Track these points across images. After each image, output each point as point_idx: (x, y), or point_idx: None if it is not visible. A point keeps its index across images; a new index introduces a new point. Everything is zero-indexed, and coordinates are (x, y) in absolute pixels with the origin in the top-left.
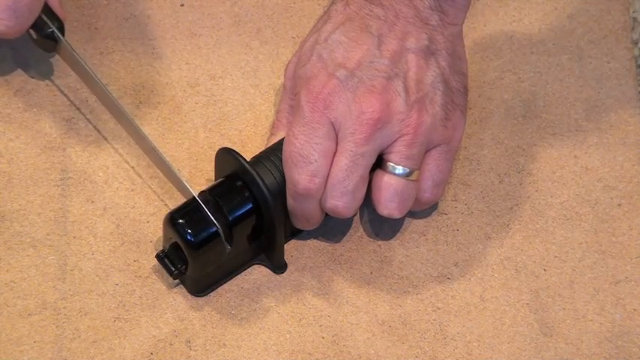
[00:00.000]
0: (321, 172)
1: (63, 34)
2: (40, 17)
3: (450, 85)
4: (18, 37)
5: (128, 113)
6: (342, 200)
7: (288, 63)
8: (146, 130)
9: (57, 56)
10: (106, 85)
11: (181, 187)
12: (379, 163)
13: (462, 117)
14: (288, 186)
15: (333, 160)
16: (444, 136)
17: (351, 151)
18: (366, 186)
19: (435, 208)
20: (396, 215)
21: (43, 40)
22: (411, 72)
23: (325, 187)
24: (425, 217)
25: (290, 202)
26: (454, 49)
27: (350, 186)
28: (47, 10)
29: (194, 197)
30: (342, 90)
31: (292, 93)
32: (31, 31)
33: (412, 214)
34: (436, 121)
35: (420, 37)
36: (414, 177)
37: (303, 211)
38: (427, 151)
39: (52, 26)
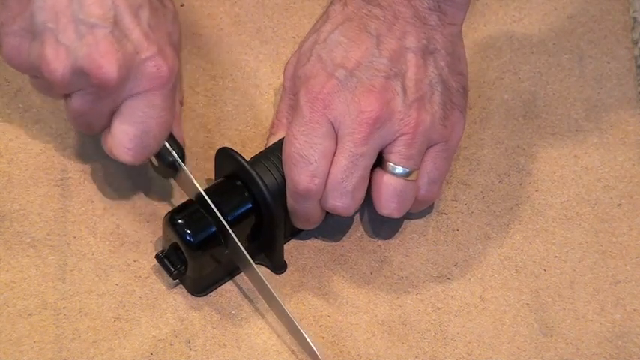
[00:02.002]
0: (320, 173)
1: (184, 162)
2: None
3: (448, 84)
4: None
5: None
6: (341, 201)
7: (288, 63)
8: None
9: None
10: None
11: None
12: (379, 162)
13: (460, 116)
14: (288, 186)
15: (332, 160)
16: (443, 135)
17: (351, 151)
18: (366, 186)
19: (435, 208)
20: (396, 215)
21: (162, 167)
22: (409, 71)
23: (325, 187)
24: (425, 217)
25: (290, 202)
26: (453, 49)
27: (349, 186)
28: (170, 137)
29: (193, 198)
30: (342, 90)
31: (292, 93)
32: (152, 158)
33: (412, 213)
34: (435, 120)
35: (419, 36)
36: (413, 177)
37: (303, 211)
38: (425, 149)
39: (174, 155)
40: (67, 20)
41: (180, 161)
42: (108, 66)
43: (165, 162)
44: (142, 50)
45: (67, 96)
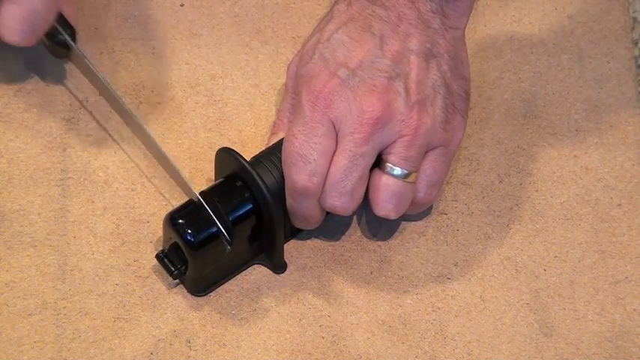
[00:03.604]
0: (319, 172)
1: (75, 41)
2: (52, 25)
3: (451, 88)
4: (32, 45)
5: (136, 115)
6: (340, 200)
7: (290, 63)
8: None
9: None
10: (117, 90)
11: (184, 186)
12: (377, 163)
13: (462, 121)
14: (287, 185)
15: (332, 160)
16: (443, 139)
17: (351, 150)
18: (365, 185)
19: (435, 208)
20: (392, 216)
21: (55, 47)
22: (412, 73)
23: (324, 186)
24: (425, 217)
25: (289, 201)
26: (456, 53)
27: (348, 186)
28: (60, 18)
29: (194, 198)
30: (343, 89)
31: (294, 92)
32: (44, 38)
33: (411, 215)
34: (436, 123)
35: (422, 39)
36: (411, 179)
37: (302, 210)
38: (425, 152)
39: (64, 34)
40: None
41: (70, 40)
42: None
43: (57, 41)
44: None
45: None
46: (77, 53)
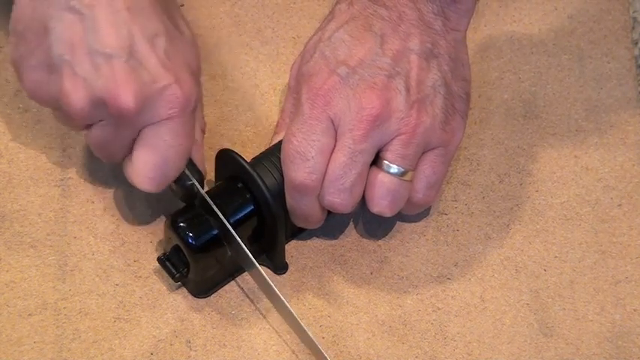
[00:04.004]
0: (318, 169)
1: (202, 187)
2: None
3: (451, 89)
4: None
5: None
6: (339, 197)
7: (294, 63)
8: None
9: None
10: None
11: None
12: (375, 160)
13: (461, 122)
14: (286, 183)
15: (331, 157)
16: (442, 140)
17: (350, 147)
18: (364, 183)
19: (435, 208)
20: (387, 214)
21: (180, 191)
22: (412, 72)
23: (323, 183)
24: (425, 217)
25: (288, 199)
26: (457, 54)
27: (347, 183)
28: (189, 163)
29: (193, 200)
30: (343, 87)
31: (296, 92)
32: (171, 183)
33: (410, 215)
34: (435, 123)
35: (423, 39)
36: (407, 177)
37: (302, 208)
38: (424, 153)
39: (192, 179)
40: (83, 52)
41: (199, 186)
42: (125, 96)
43: (184, 187)
44: (158, 79)
45: (87, 127)
46: (203, 199)
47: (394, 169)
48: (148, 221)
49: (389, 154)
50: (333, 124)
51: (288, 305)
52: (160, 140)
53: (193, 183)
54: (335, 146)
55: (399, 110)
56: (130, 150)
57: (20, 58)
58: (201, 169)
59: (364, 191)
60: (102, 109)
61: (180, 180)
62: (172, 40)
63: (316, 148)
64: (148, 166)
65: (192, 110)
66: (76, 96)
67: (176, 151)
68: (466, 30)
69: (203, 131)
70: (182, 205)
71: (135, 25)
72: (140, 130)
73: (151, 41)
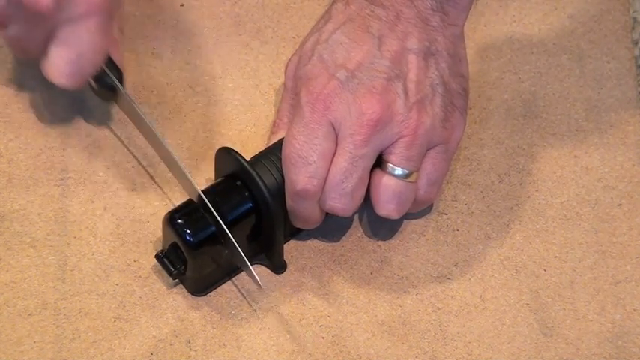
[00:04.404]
0: (319, 174)
1: (122, 84)
2: (100, 68)
3: (449, 86)
4: (78, 87)
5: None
6: (340, 202)
7: (289, 62)
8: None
9: None
10: (164, 138)
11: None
12: (378, 163)
13: (461, 118)
14: (287, 187)
15: (332, 161)
16: (443, 137)
17: (351, 152)
18: (365, 187)
19: (435, 208)
20: (394, 216)
21: (101, 90)
22: (411, 73)
23: (324, 188)
24: (425, 217)
25: (289, 202)
26: (455, 50)
27: (348, 188)
28: (108, 60)
29: (193, 198)
30: (343, 91)
31: (293, 92)
32: (91, 81)
33: (411, 214)
34: (435, 122)
35: (421, 38)
36: (412, 179)
37: (302, 211)
38: (425, 151)
39: (112, 77)
40: None
41: (118, 83)
42: None
43: (104, 85)
44: None
45: (3, 24)
46: (124, 96)
47: (399, 171)
48: (147, 221)
49: (393, 157)
50: (334, 129)
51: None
52: (75, 36)
53: (113, 80)
54: (336, 151)
55: (400, 113)
56: (45, 47)
57: None
58: (120, 66)
59: (370, 195)
60: (18, 7)
61: (100, 78)
62: None
63: (317, 152)
64: (64, 60)
65: (109, 9)
66: None
67: (92, 47)
68: (464, 25)
69: (121, 30)
70: (179, 203)
71: None
72: (56, 27)
73: None
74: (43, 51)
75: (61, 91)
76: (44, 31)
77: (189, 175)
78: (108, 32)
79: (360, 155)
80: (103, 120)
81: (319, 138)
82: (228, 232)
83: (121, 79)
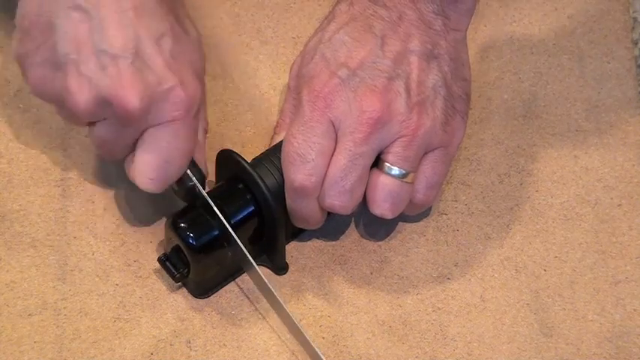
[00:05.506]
0: (317, 171)
1: (204, 188)
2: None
3: (451, 90)
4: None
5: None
6: (339, 199)
7: (293, 63)
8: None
9: None
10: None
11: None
12: (376, 162)
13: (461, 122)
14: (286, 184)
15: (331, 159)
16: (443, 141)
17: (350, 150)
18: (364, 185)
19: (435, 208)
20: (389, 216)
21: (182, 192)
22: (413, 74)
23: (323, 185)
24: (425, 217)
25: (288, 201)
26: (457, 55)
27: (347, 185)
28: (191, 163)
29: (194, 200)
30: (343, 89)
31: (296, 92)
32: (173, 183)
33: (410, 215)
34: (436, 124)
35: (424, 40)
36: (409, 179)
37: (302, 210)
38: (425, 153)
39: (194, 180)
40: (88, 51)
41: (200, 187)
42: (130, 97)
43: (185, 187)
44: (163, 80)
45: (91, 124)
46: (204, 199)
47: (395, 171)
48: (148, 221)
49: (390, 157)
50: (334, 127)
51: (285, 307)
52: (162, 141)
53: (195, 184)
54: (335, 149)
55: (400, 113)
56: (132, 149)
57: (25, 54)
58: (203, 169)
59: (365, 193)
60: (106, 108)
61: (182, 180)
62: (178, 41)
63: (316, 150)
64: (150, 166)
65: (196, 112)
66: (82, 95)
67: (178, 153)
68: (466, 30)
69: (205, 131)
70: (183, 205)
71: (141, 25)
72: (143, 131)
73: (156, 42)
74: (128, 152)
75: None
76: (131, 134)
77: (195, 181)
78: (194, 135)
79: (359, 153)
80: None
81: (318, 136)
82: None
83: (202, 182)
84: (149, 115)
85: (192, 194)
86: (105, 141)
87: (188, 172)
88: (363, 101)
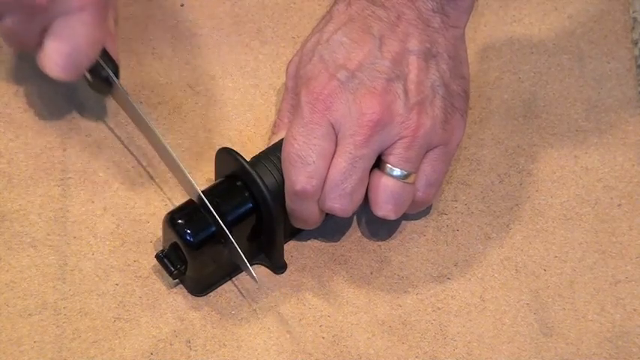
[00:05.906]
0: (318, 174)
1: (117, 77)
2: (95, 61)
3: (450, 88)
4: (74, 80)
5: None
6: (339, 202)
7: (290, 62)
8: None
9: None
10: (157, 129)
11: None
12: (377, 163)
13: (461, 120)
14: (286, 187)
15: (331, 162)
16: (443, 139)
17: (350, 153)
18: (364, 187)
19: (435, 208)
20: (392, 217)
21: (97, 83)
22: (411, 74)
23: (323, 188)
24: (425, 217)
25: (288, 202)
26: (456, 52)
27: (348, 188)
28: (103, 53)
29: (193, 198)
30: (343, 91)
31: (294, 92)
32: (86, 73)
33: (411, 214)
34: (435, 123)
35: (422, 39)
36: (411, 180)
37: (301, 211)
38: (425, 152)
39: (107, 70)
40: None
41: (113, 76)
42: None
43: (99, 77)
44: None
45: None
46: (119, 89)
47: (397, 172)
48: (147, 221)
49: (391, 158)
50: (334, 129)
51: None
52: (71, 29)
53: (108, 74)
54: (335, 151)
55: (400, 114)
56: (41, 39)
57: None
58: (115, 59)
59: (368, 195)
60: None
61: (94, 70)
62: None
63: (317, 152)
64: (59, 54)
65: (104, 1)
66: None
67: (87, 40)
68: (465, 27)
69: (115, 22)
70: (180, 203)
71: None
72: (52, 20)
73: None
74: (38, 44)
75: (59, 87)
76: (40, 23)
77: (188, 175)
78: (103, 25)
79: (359, 155)
80: (103, 120)
81: (319, 138)
82: (227, 231)
83: (116, 72)
84: (57, 5)
85: (106, 85)
86: (14, 32)
87: (100, 61)
88: (363, 103)
